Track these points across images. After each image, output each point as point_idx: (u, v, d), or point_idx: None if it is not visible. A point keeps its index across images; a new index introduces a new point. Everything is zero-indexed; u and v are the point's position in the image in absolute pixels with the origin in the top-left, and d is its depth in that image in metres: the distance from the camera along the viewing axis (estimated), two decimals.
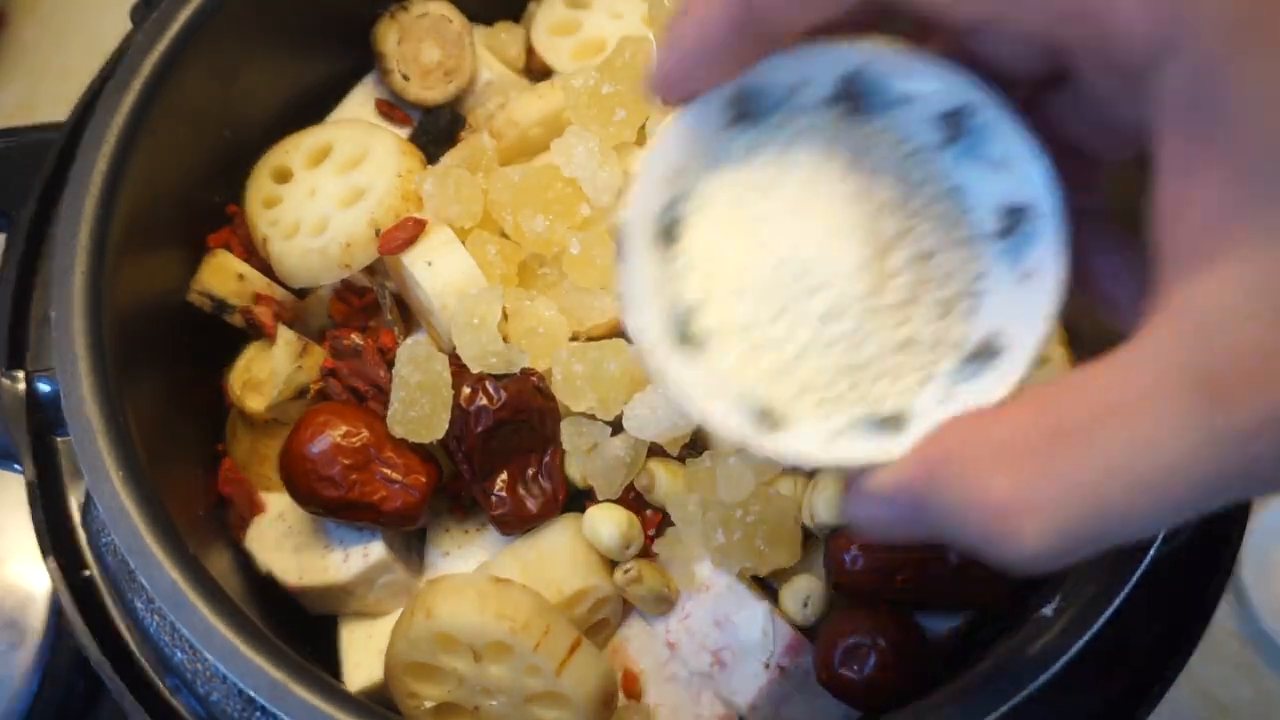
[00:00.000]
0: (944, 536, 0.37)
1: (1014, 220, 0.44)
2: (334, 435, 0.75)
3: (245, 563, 0.81)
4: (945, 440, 0.37)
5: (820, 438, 0.44)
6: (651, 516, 0.78)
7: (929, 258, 0.45)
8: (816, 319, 0.45)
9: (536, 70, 0.96)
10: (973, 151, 0.46)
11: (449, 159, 0.87)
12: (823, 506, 0.75)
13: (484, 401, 0.75)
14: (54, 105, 1.30)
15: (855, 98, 0.47)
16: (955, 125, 0.46)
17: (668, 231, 0.47)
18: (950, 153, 0.46)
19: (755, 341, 0.46)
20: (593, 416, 0.76)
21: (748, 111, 0.46)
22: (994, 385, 0.43)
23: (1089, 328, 0.80)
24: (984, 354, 0.44)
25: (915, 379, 0.45)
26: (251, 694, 0.63)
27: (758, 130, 0.47)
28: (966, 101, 0.45)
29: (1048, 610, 0.65)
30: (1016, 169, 0.44)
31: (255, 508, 0.82)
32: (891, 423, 0.44)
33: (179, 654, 0.74)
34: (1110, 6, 0.34)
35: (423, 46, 0.91)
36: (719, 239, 0.47)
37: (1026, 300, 0.43)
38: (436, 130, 0.92)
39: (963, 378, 0.44)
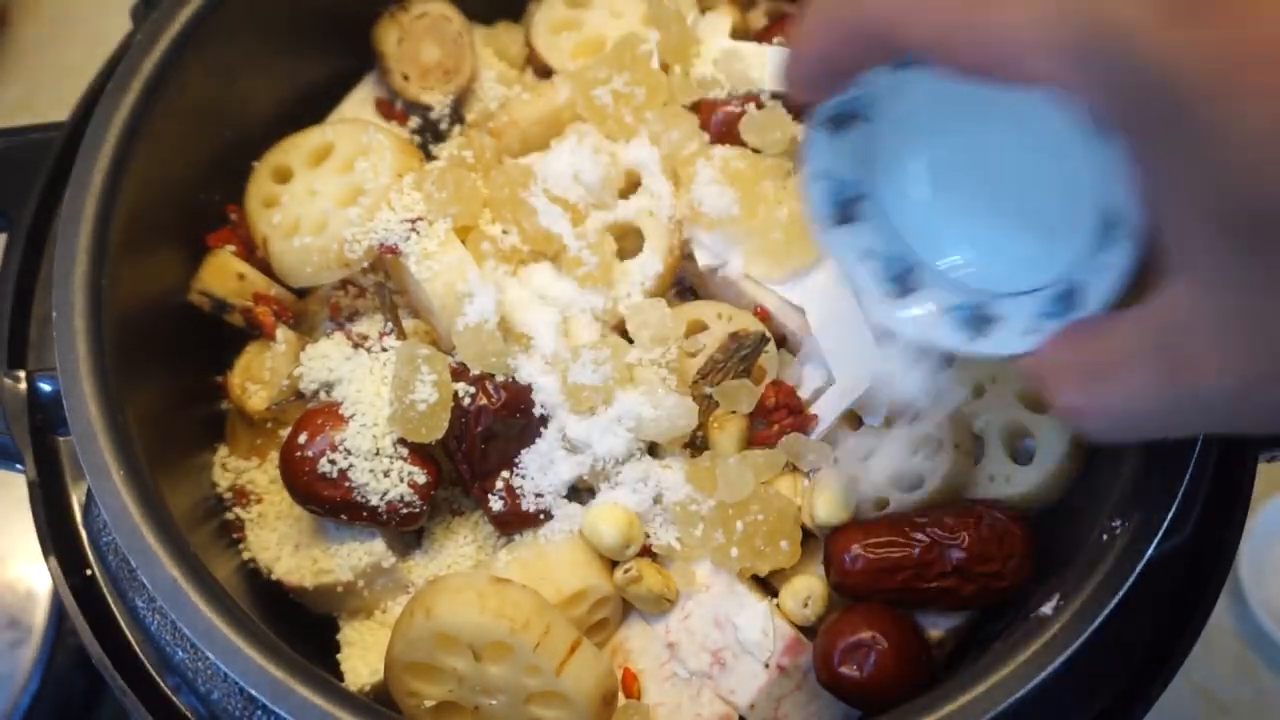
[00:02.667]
0: None
1: (1110, 221, 0.54)
2: (333, 436, 0.75)
3: (246, 562, 0.81)
4: (1042, 355, 0.54)
5: (1019, 330, 0.58)
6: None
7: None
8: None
9: (537, 70, 0.96)
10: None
11: (449, 158, 0.87)
12: (822, 506, 0.75)
13: (484, 401, 0.75)
14: (54, 105, 1.30)
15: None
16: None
17: (846, 212, 0.62)
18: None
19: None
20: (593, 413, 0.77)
21: (857, 117, 0.59)
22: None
23: None
24: (1067, 298, 0.57)
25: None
26: (253, 693, 0.64)
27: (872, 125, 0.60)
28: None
29: (1047, 609, 0.66)
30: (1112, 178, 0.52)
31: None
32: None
33: (180, 653, 0.74)
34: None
35: (422, 46, 0.91)
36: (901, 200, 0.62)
37: (1101, 276, 0.55)
38: (436, 130, 0.92)
39: (1054, 310, 0.57)
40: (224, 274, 0.84)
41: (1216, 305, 0.45)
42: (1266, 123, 0.39)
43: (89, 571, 0.77)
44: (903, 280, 0.62)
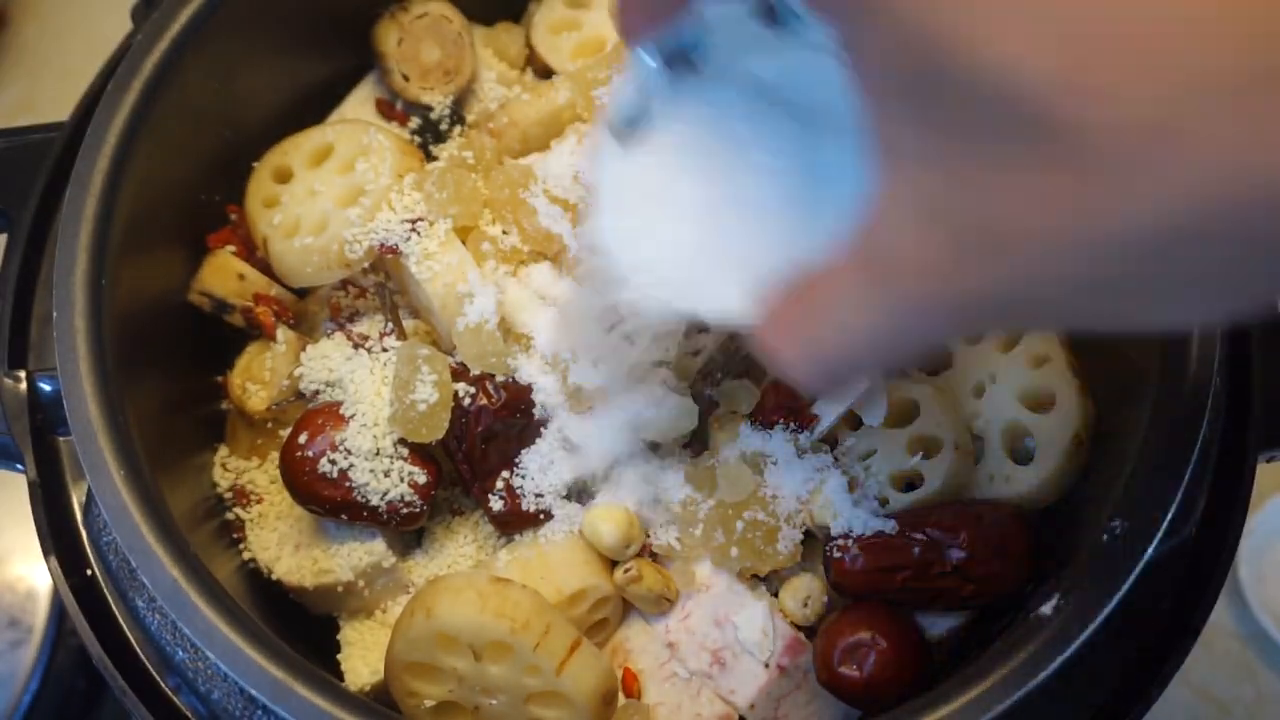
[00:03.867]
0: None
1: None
2: (333, 436, 0.75)
3: (246, 562, 0.82)
4: (763, 316, 0.51)
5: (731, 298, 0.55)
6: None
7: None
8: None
9: (537, 70, 0.96)
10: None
11: (449, 159, 0.87)
12: (822, 507, 0.75)
13: (484, 401, 0.75)
14: (54, 105, 1.30)
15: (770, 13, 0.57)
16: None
17: (627, 132, 0.59)
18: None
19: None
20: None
21: (688, 60, 0.58)
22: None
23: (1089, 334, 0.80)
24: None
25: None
26: (253, 693, 0.64)
27: (695, 80, 0.58)
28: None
29: (1047, 609, 0.66)
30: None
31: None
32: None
33: (180, 653, 0.74)
34: None
35: (422, 46, 0.91)
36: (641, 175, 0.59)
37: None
38: (436, 130, 0.92)
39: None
40: (224, 274, 0.84)
41: (911, 191, 0.40)
42: None
43: (89, 571, 0.77)
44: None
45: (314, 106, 0.92)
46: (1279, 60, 0.33)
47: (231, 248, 0.85)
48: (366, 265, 0.82)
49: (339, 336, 0.82)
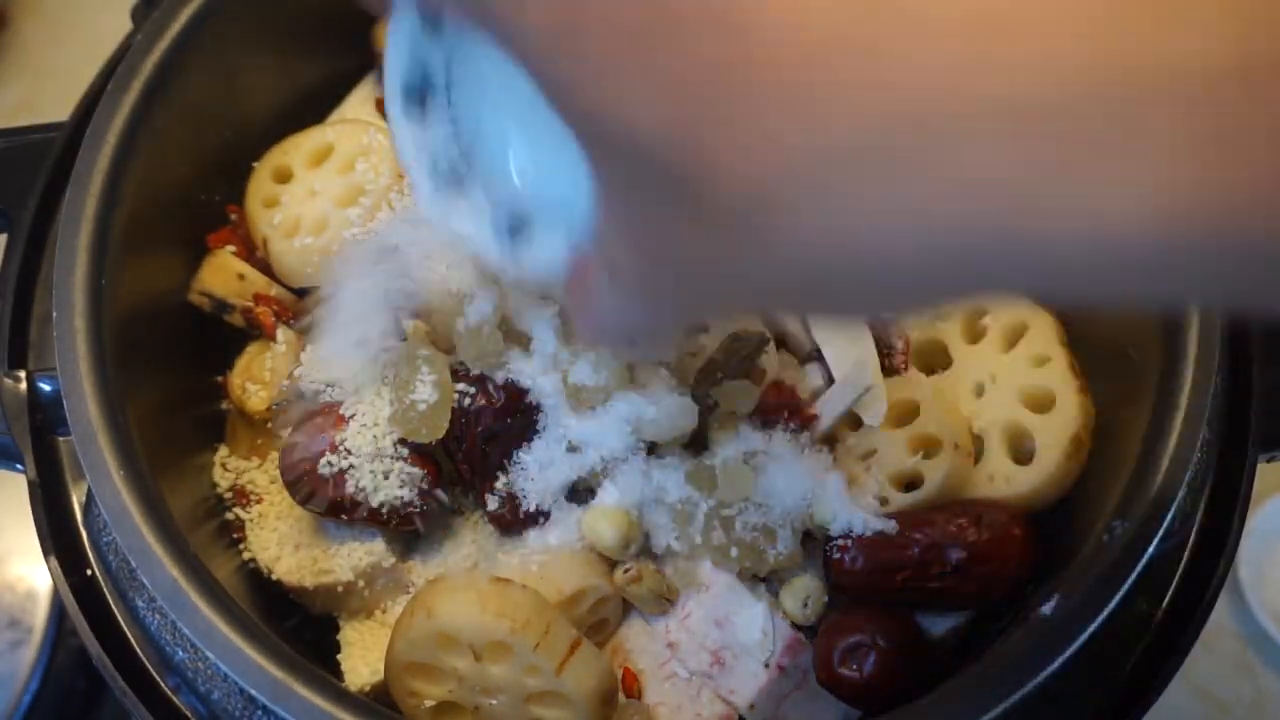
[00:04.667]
0: None
1: None
2: (333, 436, 0.75)
3: (246, 562, 0.82)
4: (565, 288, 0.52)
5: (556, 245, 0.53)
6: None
7: None
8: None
9: None
10: None
11: None
12: (822, 507, 0.75)
13: (484, 402, 0.75)
14: (54, 105, 1.30)
15: None
16: None
17: (420, 97, 0.55)
18: None
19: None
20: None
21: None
22: None
23: (1090, 334, 0.80)
24: None
25: None
26: (253, 693, 0.64)
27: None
28: None
29: (1046, 609, 0.66)
30: None
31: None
32: None
33: (180, 653, 0.74)
34: None
35: None
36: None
37: None
38: None
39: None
40: (224, 274, 0.84)
41: (610, 212, 0.44)
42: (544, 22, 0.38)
43: (89, 571, 0.77)
44: (459, 182, 0.57)
45: (314, 106, 0.92)
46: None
47: (231, 248, 0.85)
48: None
49: None
